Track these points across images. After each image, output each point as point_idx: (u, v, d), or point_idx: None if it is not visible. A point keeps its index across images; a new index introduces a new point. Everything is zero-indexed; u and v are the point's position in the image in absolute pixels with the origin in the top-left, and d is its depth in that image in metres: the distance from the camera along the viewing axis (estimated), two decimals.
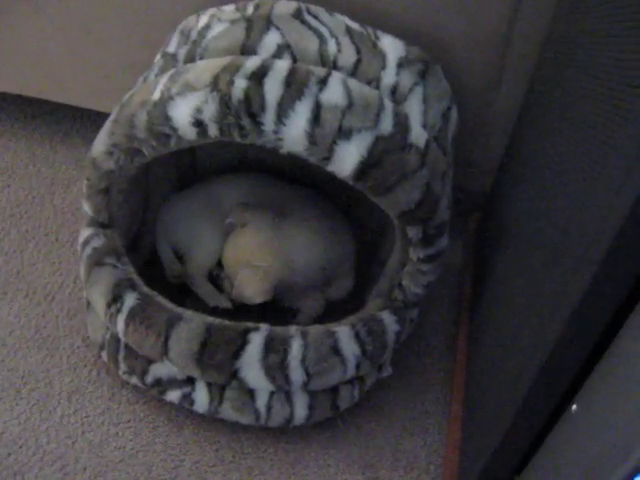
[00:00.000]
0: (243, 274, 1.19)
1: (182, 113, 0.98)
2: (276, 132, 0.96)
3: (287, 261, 1.21)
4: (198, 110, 0.97)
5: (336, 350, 1.07)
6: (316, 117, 0.95)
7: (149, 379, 1.12)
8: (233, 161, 1.42)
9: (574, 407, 0.75)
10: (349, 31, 1.08)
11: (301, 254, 1.24)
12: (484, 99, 1.29)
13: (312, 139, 0.95)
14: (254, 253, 1.21)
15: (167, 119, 0.99)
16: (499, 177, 1.34)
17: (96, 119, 1.53)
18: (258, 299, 1.18)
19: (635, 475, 0.60)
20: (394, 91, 1.04)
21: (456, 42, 1.22)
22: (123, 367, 1.15)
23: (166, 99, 0.99)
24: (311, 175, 1.35)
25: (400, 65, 1.06)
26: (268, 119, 0.95)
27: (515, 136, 1.27)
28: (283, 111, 0.95)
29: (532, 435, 0.84)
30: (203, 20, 1.11)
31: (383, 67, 1.05)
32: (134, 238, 1.26)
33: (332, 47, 1.04)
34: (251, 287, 1.18)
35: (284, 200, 1.33)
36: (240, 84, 0.96)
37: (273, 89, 0.96)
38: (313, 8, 1.11)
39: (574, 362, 0.74)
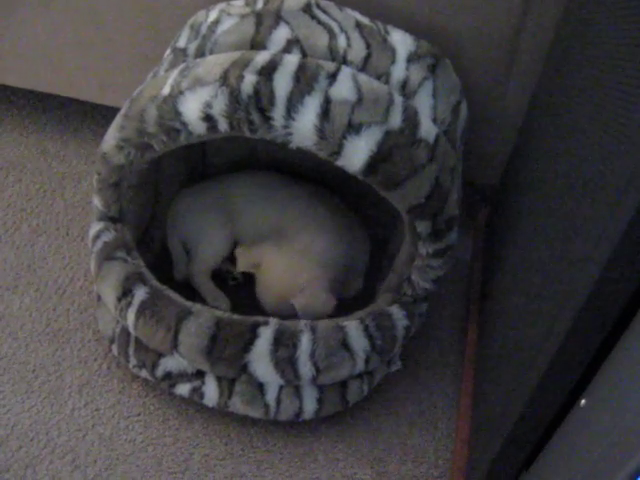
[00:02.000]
0: (301, 302, 1.18)
1: (192, 108, 0.98)
2: (285, 127, 0.96)
3: (323, 263, 1.22)
4: (208, 105, 0.97)
5: (345, 345, 1.08)
6: (325, 112, 0.95)
7: (159, 372, 1.13)
8: (243, 156, 1.42)
9: (583, 402, 0.75)
10: (359, 26, 1.08)
11: (330, 251, 1.25)
12: (494, 93, 1.28)
13: (321, 134, 0.95)
14: (291, 281, 1.20)
15: (177, 114, 1.00)
16: (508, 171, 1.34)
17: (106, 114, 1.54)
18: (330, 306, 1.18)
19: None
20: (404, 86, 1.04)
21: (466, 36, 1.22)
22: (133, 361, 1.16)
23: (176, 94, 1.00)
24: (320, 170, 1.35)
25: (410, 60, 1.06)
26: (277, 114, 0.95)
27: (525, 130, 1.26)
28: (292, 106, 0.95)
29: (541, 430, 0.85)
30: (213, 15, 1.11)
31: (393, 62, 1.05)
32: (144, 232, 1.27)
33: (342, 42, 1.04)
34: (317, 303, 1.18)
35: (292, 198, 1.33)
36: (250, 79, 0.96)
37: (282, 84, 0.96)
38: (323, 3, 1.11)
39: (583, 357, 0.74)
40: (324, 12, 1.09)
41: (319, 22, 1.07)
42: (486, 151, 1.36)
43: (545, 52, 1.19)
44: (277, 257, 1.23)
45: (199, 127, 0.99)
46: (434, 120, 1.05)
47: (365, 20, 1.10)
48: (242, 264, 1.25)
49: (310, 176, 1.39)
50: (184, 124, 1.00)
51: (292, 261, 1.22)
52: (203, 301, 1.23)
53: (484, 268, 1.36)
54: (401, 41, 1.08)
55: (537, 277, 0.92)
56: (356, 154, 0.96)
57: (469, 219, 1.47)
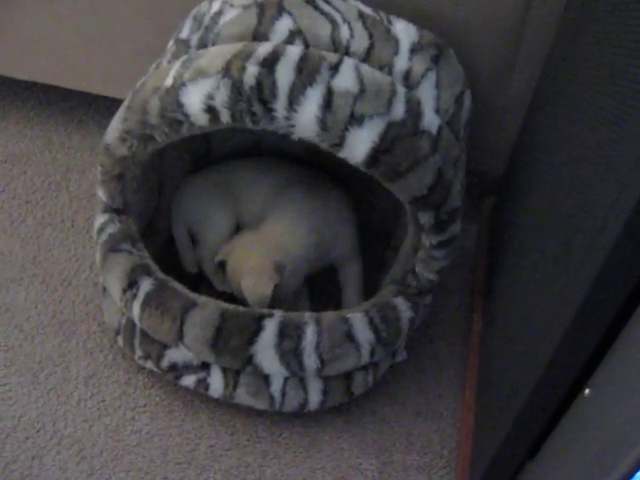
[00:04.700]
0: (244, 284, 1.17)
1: (194, 99, 0.98)
2: (287, 118, 0.96)
3: (279, 248, 1.21)
4: (210, 96, 0.97)
5: (350, 336, 1.08)
6: (328, 103, 0.95)
7: (164, 364, 1.13)
8: (247, 146, 1.42)
9: (587, 391, 0.75)
10: (362, 16, 1.08)
11: (289, 235, 1.23)
12: (498, 82, 1.28)
13: (323, 125, 0.95)
14: (243, 264, 1.19)
15: (179, 105, 0.99)
16: (513, 161, 1.34)
17: (110, 105, 1.54)
18: (268, 290, 1.16)
19: None
20: (407, 76, 1.04)
21: (470, 25, 1.21)
22: (139, 352, 1.16)
23: (178, 85, 1.00)
24: (324, 160, 1.35)
25: (413, 50, 1.06)
26: (279, 105, 0.95)
27: (529, 119, 1.26)
28: (294, 97, 0.95)
29: (545, 419, 0.85)
30: (216, 6, 1.11)
31: (396, 52, 1.04)
32: (149, 223, 1.27)
33: (344, 32, 1.04)
34: (256, 286, 1.17)
35: (284, 181, 1.33)
36: (252, 70, 0.96)
37: (284, 75, 0.96)
38: None
39: (587, 346, 0.74)
40: (327, 2, 1.08)
41: (322, 12, 1.06)
42: (490, 141, 1.35)
43: (550, 41, 1.18)
44: (241, 243, 1.23)
45: (201, 119, 0.99)
46: (437, 111, 1.04)
47: (368, 10, 1.10)
48: (220, 254, 1.25)
49: (315, 164, 1.39)
50: (186, 115, 1.00)
51: (250, 246, 1.21)
52: (208, 291, 1.23)
53: (489, 258, 1.36)
54: (404, 31, 1.08)
55: (542, 266, 0.92)
56: (358, 145, 0.96)
57: (474, 209, 1.47)
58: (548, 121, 1.09)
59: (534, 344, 0.86)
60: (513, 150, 1.34)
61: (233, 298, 1.22)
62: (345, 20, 1.06)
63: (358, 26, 1.06)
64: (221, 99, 0.97)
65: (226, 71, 0.97)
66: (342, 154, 0.97)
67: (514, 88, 1.28)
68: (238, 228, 1.33)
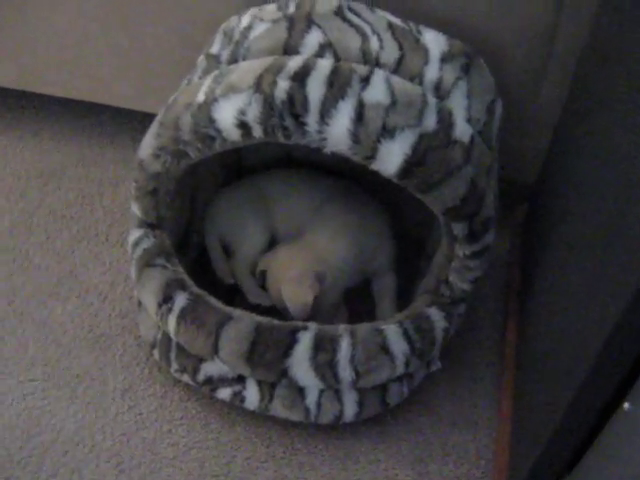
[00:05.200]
0: (284, 292, 1.18)
1: (226, 115, 0.99)
2: (320, 132, 0.96)
3: (320, 259, 1.22)
4: (242, 112, 0.98)
5: (385, 348, 1.08)
6: (359, 116, 0.95)
7: (200, 377, 1.14)
8: (277, 157, 1.42)
9: (627, 405, 0.74)
10: (391, 27, 1.08)
11: (330, 247, 1.24)
12: (529, 90, 1.27)
13: (356, 138, 0.95)
14: (284, 273, 1.21)
15: (211, 121, 1.00)
16: (547, 168, 1.33)
17: (142, 118, 1.55)
18: (309, 298, 1.17)
19: None
20: (437, 87, 1.04)
21: (500, 34, 1.20)
22: (175, 365, 1.17)
23: (210, 101, 1.00)
24: (356, 169, 1.34)
25: (443, 60, 1.05)
26: (311, 119, 0.96)
27: (563, 127, 1.25)
28: (326, 111, 0.95)
29: (583, 433, 0.84)
30: (245, 20, 1.11)
31: (426, 62, 1.04)
32: (182, 237, 1.28)
33: (374, 44, 1.04)
34: (297, 294, 1.18)
35: (322, 194, 1.34)
36: (283, 85, 0.96)
37: (316, 89, 0.96)
38: (354, 5, 1.10)
39: (627, 359, 0.73)
40: (356, 14, 1.08)
41: (351, 25, 1.06)
42: (522, 149, 1.35)
43: (582, 46, 1.17)
44: (282, 254, 1.24)
45: (234, 134, 1.00)
46: (469, 120, 1.04)
47: (397, 21, 1.10)
48: (260, 264, 1.26)
49: (346, 174, 1.39)
50: (219, 131, 1.00)
51: (291, 256, 1.23)
52: (242, 303, 1.23)
53: (523, 265, 1.35)
54: (434, 41, 1.08)
55: (580, 278, 0.91)
56: (390, 158, 0.96)
57: (506, 216, 1.46)
58: (584, 128, 1.07)
59: (572, 356, 0.85)
60: (546, 157, 1.33)
61: (267, 310, 1.22)
62: (374, 31, 1.06)
63: (388, 37, 1.06)
64: (253, 114, 0.97)
65: (257, 86, 0.97)
66: (374, 166, 0.97)
67: (545, 95, 1.27)
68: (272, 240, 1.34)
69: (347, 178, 1.39)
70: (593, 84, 1.05)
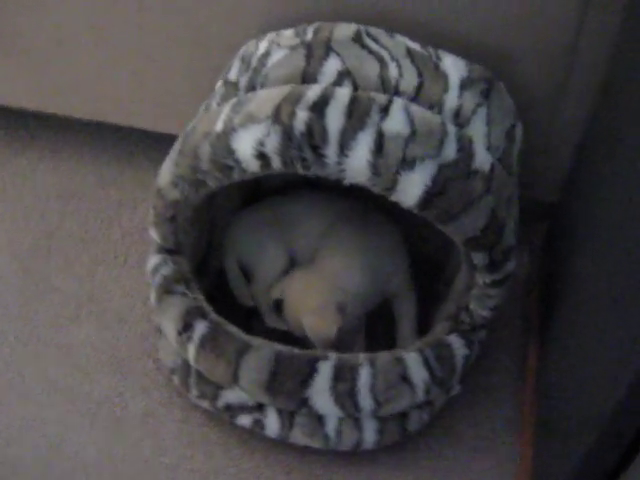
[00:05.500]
0: (306, 322, 1.17)
1: (245, 145, 0.99)
2: (339, 163, 0.96)
3: (338, 287, 1.21)
4: (261, 143, 0.97)
5: (405, 377, 1.07)
6: (379, 147, 0.95)
7: (220, 404, 1.14)
8: (295, 180, 1.42)
9: None
10: (410, 53, 1.07)
11: (345, 272, 1.23)
12: (549, 109, 1.26)
13: (375, 170, 0.95)
14: (303, 302, 1.20)
15: (230, 151, 1.00)
16: (568, 189, 1.31)
17: (160, 140, 1.54)
18: (333, 330, 1.16)
19: None
20: (457, 114, 1.03)
21: (520, 55, 1.19)
22: (194, 392, 1.17)
23: (229, 131, 1.00)
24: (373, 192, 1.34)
25: (463, 86, 1.05)
26: (330, 151, 0.95)
27: (586, 147, 1.23)
28: (345, 142, 0.95)
29: (612, 463, 0.83)
30: (263, 46, 1.11)
31: (445, 90, 1.03)
32: (201, 262, 1.28)
33: (393, 71, 1.03)
34: (320, 325, 1.17)
35: (337, 214, 1.33)
36: (302, 116, 0.96)
37: (335, 120, 0.96)
38: (373, 30, 1.10)
39: None
40: (374, 40, 1.08)
41: (370, 51, 1.06)
42: (541, 168, 1.34)
43: (604, 67, 1.16)
44: (297, 281, 1.23)
45: (252, 164, 1.00)
46: (488, 148, 1.03)
47: (416, 46, 1.09)
48: (274, 291, 1.25)
49: (365, 193, 1.38)
50: (237, 162, 1.00)
51: (307, 284, 1.22)
52: (260, 329, 1.23)
53: (544, 286, 1.33)
54: (453, 66, 1.07)
55: (607, 301, 0.89)
56: (410, 189, 0.95)
57: (527, 234, 1.44)
58: (606, 146, 1.06)
59: (599, 384, 0.84)
60: (569, 177, 1.31)
61: (285, 333, 1.22)
62: (393, 58, 1.05)
63: (406, 63, 1.05)
64: (272, 145, 0.97)
65: (276, 116, 0.97)
66: (394, 197, 0.97)
67: (566, 115, 1.26)
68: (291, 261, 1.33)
69: (365, 197, 1.38)
70: (622, 101, 1.03)
